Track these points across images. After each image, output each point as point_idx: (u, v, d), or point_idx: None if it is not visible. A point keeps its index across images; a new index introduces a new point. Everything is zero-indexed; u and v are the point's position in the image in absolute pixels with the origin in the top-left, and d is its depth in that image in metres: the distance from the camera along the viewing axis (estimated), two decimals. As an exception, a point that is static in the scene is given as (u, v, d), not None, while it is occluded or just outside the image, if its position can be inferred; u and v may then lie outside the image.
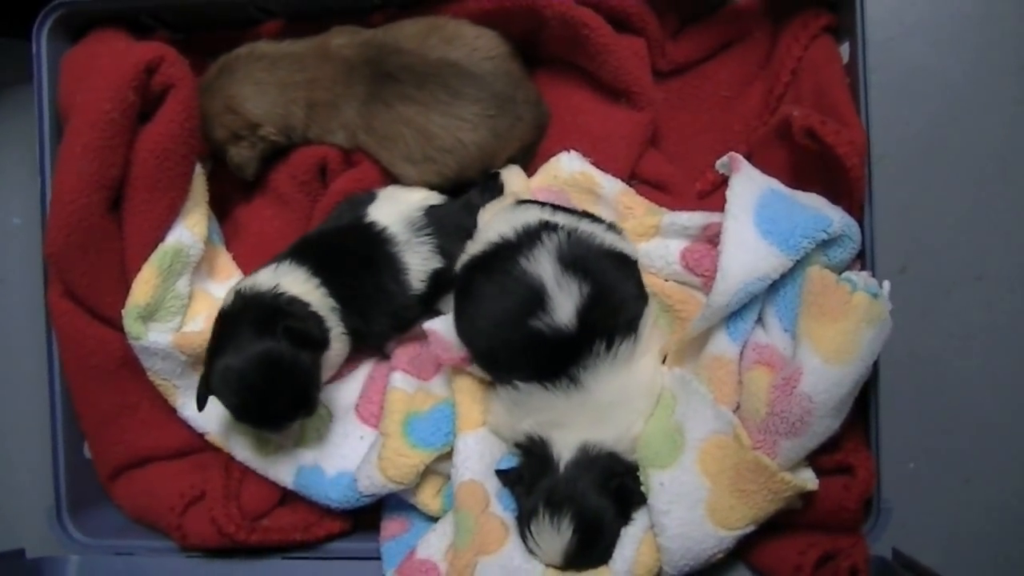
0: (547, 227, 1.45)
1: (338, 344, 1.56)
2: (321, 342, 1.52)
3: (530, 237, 1.44)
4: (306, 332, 1.49)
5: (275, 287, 1.51)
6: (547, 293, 1.38)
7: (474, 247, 1.50)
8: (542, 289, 1.38)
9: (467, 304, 1.47)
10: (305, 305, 1.52)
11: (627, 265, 1.49)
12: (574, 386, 1.39)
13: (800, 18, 1.64)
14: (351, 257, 1.57)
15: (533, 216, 1.48)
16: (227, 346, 1.48)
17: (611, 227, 1.52)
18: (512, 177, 1.65)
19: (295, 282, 1.53)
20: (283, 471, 1.62)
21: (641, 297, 1.48)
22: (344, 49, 1.63)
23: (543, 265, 1.40)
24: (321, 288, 1.54)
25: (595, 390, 1.39)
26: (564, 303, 1.37)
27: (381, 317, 1.61)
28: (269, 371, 1.46)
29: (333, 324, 1.55)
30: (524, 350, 1.40)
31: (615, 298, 1.42)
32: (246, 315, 1.49)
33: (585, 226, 1.48)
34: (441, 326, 1.53)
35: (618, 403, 1.42)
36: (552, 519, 1.38)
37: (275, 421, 1.52)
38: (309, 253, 1.56)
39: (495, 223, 1.50)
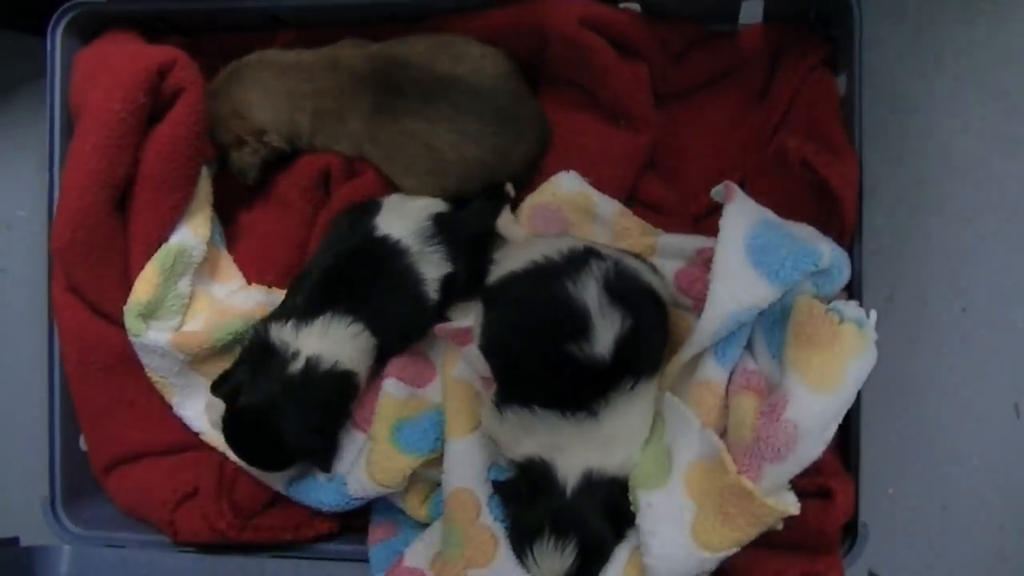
0: (594, 254, 1.43)
1: (366, 380, 1.61)
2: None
3: (576, 262, 1.41)
4: (340, 427, 1.58)
5: (336, 363, 1.53)
6: (591, 320, 1.36)
7: (513, 264, 1.47)
8: (586, 315, 1.36)
9: (502, 317, 1.45)
10: (355, 376, 1.56)
11: (663, 308, 1.47)
12: (590, 418, 1.38)
13: (799, 49, 1.66)
14: (375, 282, 1.58)
15: (578, 244, 1.46)
16: (275, 407, 1.51)
17: (652, 268, 1.51)
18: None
19: (347, 343, 1.54)
20: (276, 478, 1.64)
21: (667, 343, 1.48)
22: (353, 60, 1.64)
23: (589, 292, 1.37)
24: (364, 333, 1.56)
25: (606, 424, 1.39)
26: (604, 334, 1.35)
27: (404, 334, 1.63)
28: (289, 457, 1.54)
29: (370, 362, 1.59)
30: (554, 373, 1.38)
31: (650, 339, 1.42)
32: (310, 399, 1.52)
33: (630, 261, 1.47)
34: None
35: (625, 436, 1.43)
36: (557, 543, 1.38)
37: (250, 464, 1.59)
38: (342, 294, 1.56)
39: (537, 245, 1.48)
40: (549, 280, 1.40)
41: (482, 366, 1.47)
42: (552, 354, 1.37)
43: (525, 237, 1.63)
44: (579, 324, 1.36)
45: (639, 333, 1.38)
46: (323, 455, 1.56)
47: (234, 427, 1.52)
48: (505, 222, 1.65)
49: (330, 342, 1.53)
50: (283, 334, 1.53)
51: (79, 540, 1.68)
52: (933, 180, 1.78)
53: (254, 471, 1.63)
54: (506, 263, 1.49)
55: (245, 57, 1.69)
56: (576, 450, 1.41)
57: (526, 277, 1.44)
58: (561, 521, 1.39)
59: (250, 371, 1.53)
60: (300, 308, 1.55)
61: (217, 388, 1.55)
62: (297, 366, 1.51)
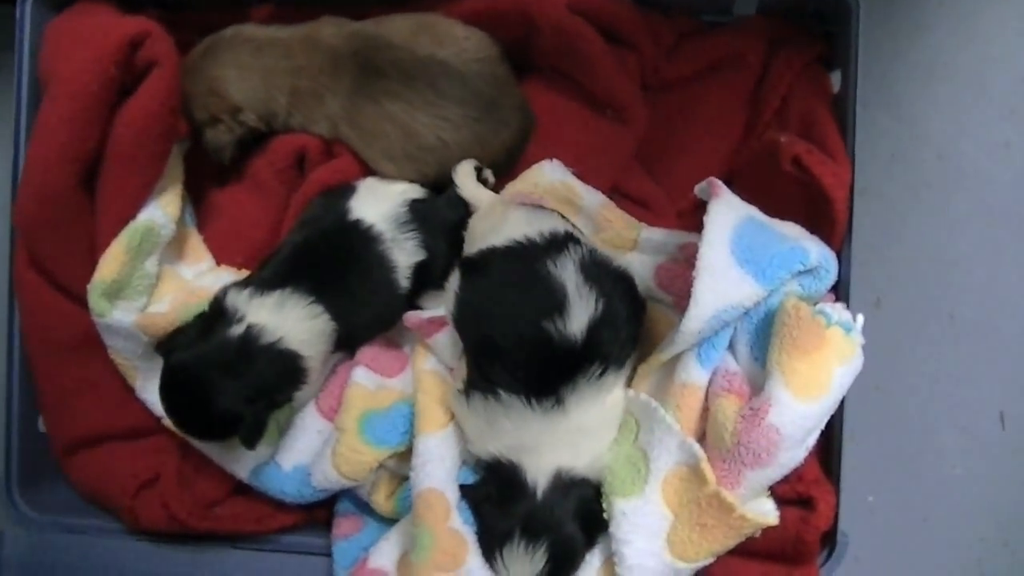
0: (573, 239, 1.45)
1: (317, 368, 1.55)
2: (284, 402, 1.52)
3: (556, 244, 1.43)
4: (271, 408, 1.49)
5: (279, 340, 1.47)
6: (568, 299, 1.37)
7: (494, 239, 1.48)
8: (564, 294, 1.37)
9: (480, 288, 1.46)
10: (301, 360, 1.49)
11: (637, 295, 1.48)
12: (557, 407, 1.37)
13: (794, 45, 1.64)
14: (344, 265, 1.55)
15: (559, 225, 1.49)
16: (206, 361, 1.45)
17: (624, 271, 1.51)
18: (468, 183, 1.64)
19: (299, 323, 1.49)
20: (239, 465, 1.60)
21: (638, 333, 1.47)
22: (332, 39, 1.61)
23: (568, 272, 1.39)
24: (323, 316, 1.51)
25: (573, 415, 1.37)
26: (580, 314, 1.36)
27: (371, 322, 1.60)
28: (212, 422, 1.47)
29: (326, 348, 1.53)
30: (526, 349, 1.38)
31: (619, 324, 1.41)
32: (243, 365, 1.45)
33: (604, 249, 1.49)
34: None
35: (592, 431, 1.41)
36: (528, 547, 1.36)
37: (177, 426, 1.52)
38: (308, 272, 1.52)
39: (516, 223, 1.50)
40: (529, 258, 1.42)
41: (449, 355, 1.49)
42: (527, 329, 1.37)
43: (491, 200, 1.61)
44: (556, 302, 1.37)
45: (610, 317, 1.38)
46: (247, 428, 1.47)
47: (165, 383, 1.47)
48: (468, 185, 1.62)
49: (281, 317, 1.48)
50: (237, 300, 1.49)
51: (34, 524, 1.65)
52: (925, 183, 1.77)
53: (215, 455, 1.59)
54: (487, 237, 1.50)
55: (220, 32, 1.65)
56: (543, 451, 1.39)
57: (507, 253, 1.45)
58: (531, 524, 1.37)
59: (196, 331, 1.49)
60: (262, 279, 1.52)
61: (160, 345, 1.52)
62: (237, 330, 1.46)
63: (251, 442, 1.47)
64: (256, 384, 1.45)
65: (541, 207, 1.55)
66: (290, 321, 1.48)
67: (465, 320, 1.46)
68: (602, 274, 1.41)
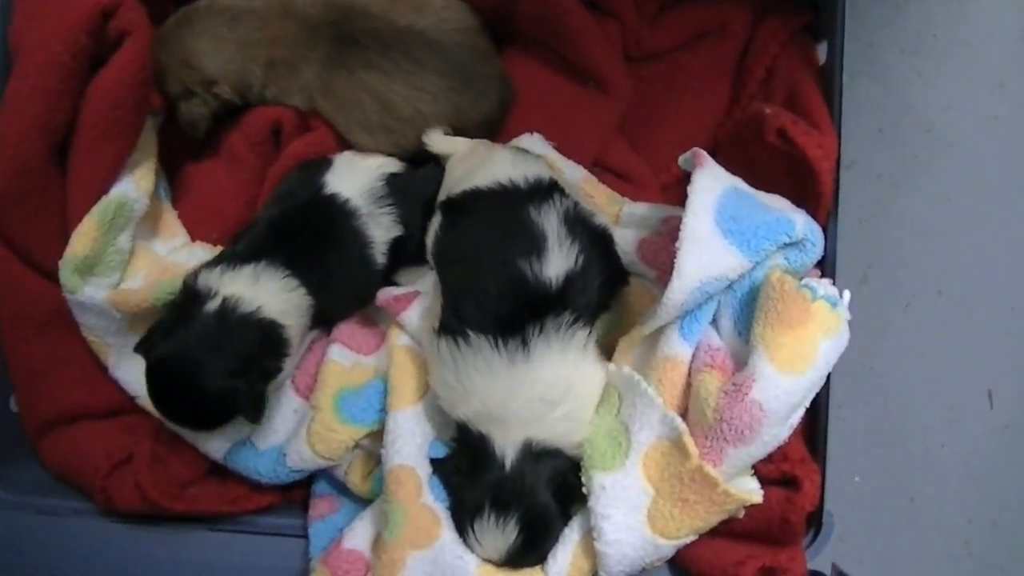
0: (557, 188, 1.47)
1: (296, 341, 1.52)
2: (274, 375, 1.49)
3: (540, 192, 1.45)
4: (267, 379, 1.47)
5: (258, 308, 1.44)
6: (547, 245, 1.37)
7: (477, 181, 1.48)
8: (543, 240, 1.38)
9: (462, 225, 1.46)
10: (281, 328, 1.47)
11: (613, 256, 1.49)
12: (522, 353, 1.35)
13: (780, 15, 1.63)
14: (319, 239, 1.53)
15: (544, 171, 1.50)
16: (187, 346, 1.42)
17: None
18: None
19: (276, 294, 1.46)
20: (213, 445, 1.58)
21: (610, 296, 1.47)
22: (308, 9, 1.60)
23: (550, 220, 1.40)
24: (299, 290, 1.48)
25: (540, 370, 1.36)
26: (558, 261, 1.37)
27: (347, 298, 1.59)
28: (200, 401, 1.43)
29: (303, 322, 1.51)
30: (500, 285, 1.37)
31: (594, 280, 1.40)
32: (224, 338, 1.42)
33: (586, 205, 1.50)
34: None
35: (557, 400, 1.38)
36: (498, 519, 1.36)
37: (175, 421, 1.50)
38: (283, 246, 1.50)
39: (499, 165, 1.50)
40: (512, 202, 1.43)
41: (420, 330, 1.50)
42: (503, 265, 1.38)
43: (469, 143, 1.60)
44: (535, 246, 1.37)
45: (587, 271, 1.39)
46: (248, 402, 1.45)
47: (152, 382, 1.44)
48: (440, 140, 1.61)
49: (257, 289, 1.45)
50: (209, 279, 1.46)
51: (6, 505, 1.62)
52: (913, 156, 1.77)
53: (189, 436, 1.57)
54: (470, 176, 1.50)
55: (195, 3, 1.63)
56: (510, 422, 1.37)
57: (491, 195, 1.46)
58: (501, 495, 1.36)
59: (170, 322, 1.45)
60: (235, 254, 1.49)
61: (139, 346, 1.48)
62: (212, 306, 1.43)
63: (256, 416, 1.46)
64: (240, 354, 1.42)
65: (527, 151, 1.56)
66: (266, 292, 1.46)
67: (444, 257, 1.47)
68: (584, 230, 1.42)
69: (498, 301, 1.36)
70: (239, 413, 1.45)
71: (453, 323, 1.39)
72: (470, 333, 1.37)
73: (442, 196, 1.55)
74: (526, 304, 1.36)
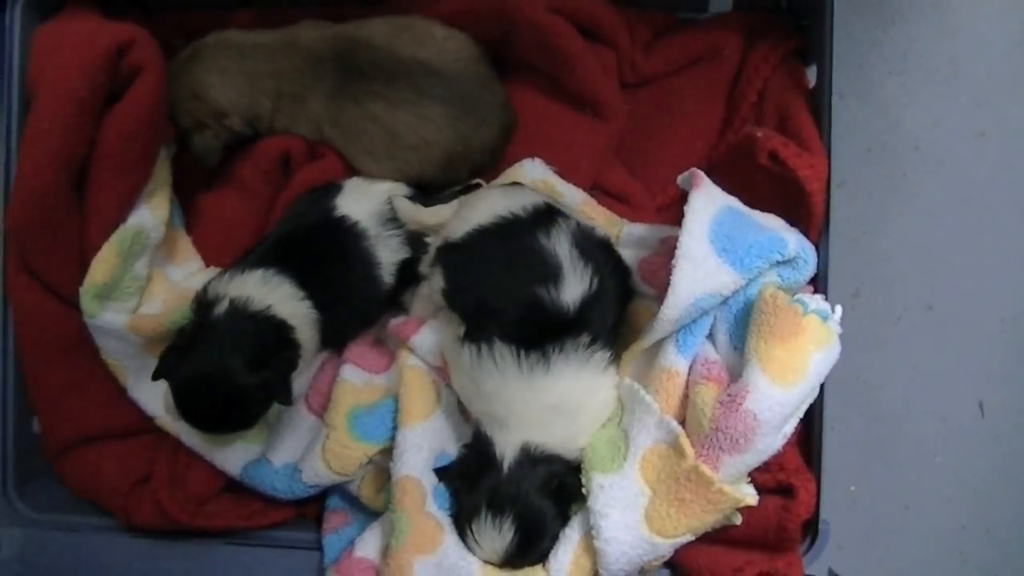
0: (558, 212, 1.48)
1: (309, 353, 1.55)
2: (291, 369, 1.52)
3: (543, 217, 1.46)
4: (290, 368, 1.50)
5: (268, 307, 1.48)
6: (562, 271, 1.40)
7: (476, 220, 1.50)
8: (558, 266, 1.40)
9: (472, 264, 1.48)
10: (291, 330, 1.50)
11: (624, 271, 1.52)
12: (541, 367, 1.39)
13: (770, 40, 1.65)
14: (328, 257, 1.56)
15: (537, 198, 1.51)
16: (206, 355, 1.46)
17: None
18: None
19: (285, 299, 1.50)
20: (230, 462, 1.62)
21: (624, 312, 1.50)
22: (314, 42, 1.63)
23: (562, 245, 1.42)
24: (306, 301, 1.52)
25: (557, 384, 1.40)
26: (574, 287, 1.40)
27: (353, 316, 1.62)
28: (235, 401, 1.47)
29: (312, 335, 1.54)
30: (521, 312, 1.40)
31: (610, 302, 1.44)
32: (238, 336, 1.46)
33: (586, 221, 1.52)
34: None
35: (568, 411, 1.42)
36: (495, 520, 1.39)
37: (216, 432, 1.55)
38: (292, 260, 1.53)
39: (493, 201, 1.52)
40: (519, 231, 1.45)
41: (429, 352, 1.53)
42: (520, 293, 1.40)
43: (445, 207, 1.61)
44: (551, 273, 1.40)
45: (603, 294, 1.42)
46: (274, 387, 1.48)
47: (182, 403, 1.48)
48: (411, 209, 1.62)
49: (266, 291, 1.49)
50: (218, 286, 1.51)
51: (31, 523, 1.65)
52: (902, 175, 1.79)
53: (208, 453, 1.61)
54: (466, 221, 1.51)
55: (204, 39, 1.67)
56: (512, 424, 1.41)
57: (495, 230, 1.47)
58: (497, 498, 1.40)
59: (182, 341, 1.50)
60: (244, 262, 1.54)
61: (157, 373, 1.51)
62: (221, 308, 1.47)
63: (286, 398, 1.49)
64: (257, 348, 1.46)
65: (512, 184, 1.59)
66: (275, 295, 1.50)
67: (458, 294, 1.48)
68: (595, 250, 1.44)
69: (519, 323, 1.40)
70: (274, 400, 1.49)
71: (478, 334, 1.43)
72: (496, 341, 1.40)
73: (438, 242, 1.56)
74: (547, 327, 1.39)
